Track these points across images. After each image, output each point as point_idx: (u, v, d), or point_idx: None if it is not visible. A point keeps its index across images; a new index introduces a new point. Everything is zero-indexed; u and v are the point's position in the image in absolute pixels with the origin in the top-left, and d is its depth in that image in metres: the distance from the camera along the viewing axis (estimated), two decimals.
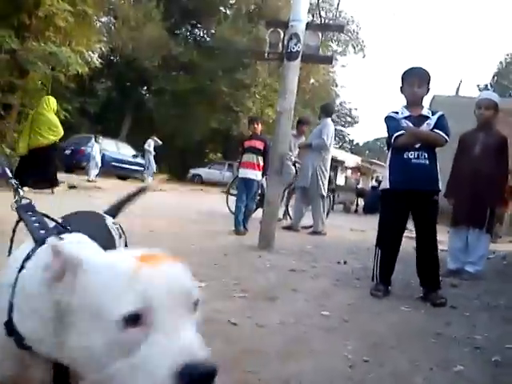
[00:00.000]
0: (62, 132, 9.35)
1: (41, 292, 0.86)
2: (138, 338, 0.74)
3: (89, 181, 14.31)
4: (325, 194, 7.88)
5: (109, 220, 1.41)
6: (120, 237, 1.40)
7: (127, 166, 19.08)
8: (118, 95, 28.00)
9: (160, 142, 19.34)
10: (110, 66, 17.45)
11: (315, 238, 7.24)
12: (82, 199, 9.02)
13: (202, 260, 4.66)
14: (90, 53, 13.27)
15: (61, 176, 12.45)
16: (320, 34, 5.89)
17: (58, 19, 11.89)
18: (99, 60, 13.47)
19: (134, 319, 0.75)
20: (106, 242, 1.21)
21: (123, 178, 18.36)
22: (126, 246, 1.46)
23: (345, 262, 5.29)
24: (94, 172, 15.28)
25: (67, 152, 17.85)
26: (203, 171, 24.83)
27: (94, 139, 16.55)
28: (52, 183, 9.36)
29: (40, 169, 8.92)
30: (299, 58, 5.60)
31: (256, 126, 7.20)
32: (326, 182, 7.90)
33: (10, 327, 0.91)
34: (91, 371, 0.78)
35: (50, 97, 9.56)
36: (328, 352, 2.56)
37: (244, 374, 2.16)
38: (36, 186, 8.52)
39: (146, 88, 28.48)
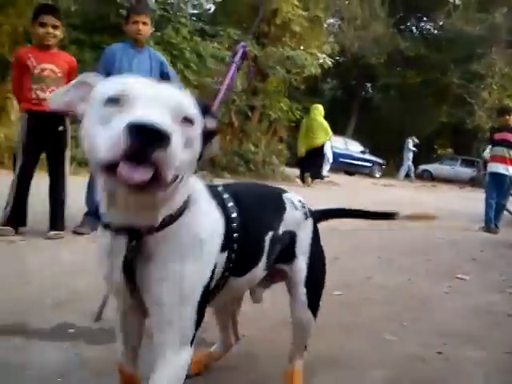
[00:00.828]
0: (330, 133, 11.03)
1: None
2: (112, 112, 0.92)
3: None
4: None
5: (287, 195, 1.57)
6: (296, 209, 1.54)
7: (355, 162, 19.35)
8: (343, 94, 28.55)
9: (417, 141, 19.07)
10: (336, 65, 17.88)
11: None
12: (325, 191, 9.59)
13: (457, 254, 4.55)
14: (322, 54, 13.79)
15: (295, 172, 13.26)
16: None
17: (294, 25, 12.67)
18: (331, 60, 13.91)
19: (113, 100, 0.94)
20: (271, 206, 1.47)
21: (351, 173, 18.68)
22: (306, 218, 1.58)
23: None
24: (326, 167, 15.89)
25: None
26: (433, 167, 23.66)
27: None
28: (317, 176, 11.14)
29: (314, 164, 10.85)
30: None
31: (508, 117, 6.62)
32: None
33: None
34: (87, 141, 0.97)
35: (318, 105, 11.19)
36: None
37: None
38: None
39: (370, 85, 28.48)
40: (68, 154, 3.79)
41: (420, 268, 3.77)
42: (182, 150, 0.92)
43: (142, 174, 0.86)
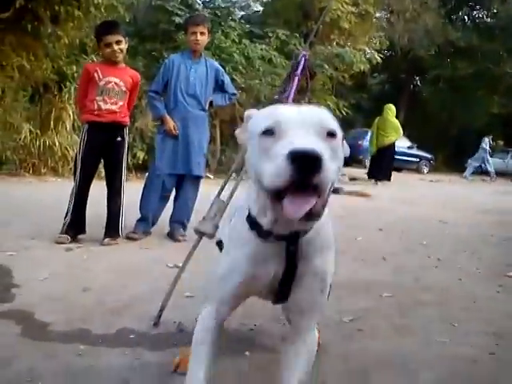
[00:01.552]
0: (401, 132, 11.54)
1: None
2: (270, 143, 1.07)
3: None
4: None
5: None
6: None
7: (402, 158, 19.02)
8: (390, 88, 28.08)
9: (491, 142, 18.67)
10: (384, 59, 17.62)
11: None
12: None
13: (507, 251, 4.50)
14: (370, 49, 13.67)
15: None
16: None
17: (343, 22, 12.63)
18: (380, 56, 13.76)
19: (268, 131, 1.09)
20: None
21: (398, 169, 18.40)
22: None
23: None
24: None
25: None
26: None
27: (370, 133, 16.97)
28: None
29: (385, 163, 11.34)
30: None
31: None
32: None
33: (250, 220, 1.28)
34: (250, 171, 1.17)
35: (391, 105, 11.60)
36: None
37: None
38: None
39: (419, 78, 27.88)
40: (125, 163, 3.98)
41: (470, 266, 3.78)
42: (330, 163, 1.06)
43: (308, 204, 1.02)
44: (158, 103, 4.19)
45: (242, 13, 15.11)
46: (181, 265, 2.40)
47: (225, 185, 2.42)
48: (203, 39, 4.18)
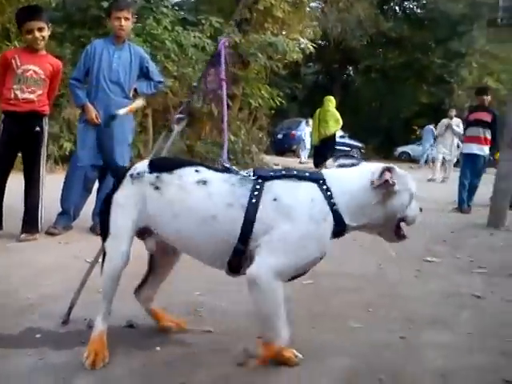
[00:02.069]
0: (341, 123, 11.88)
1: (366, 194, 1.82)
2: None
3: (301, 163, 15.00)
4: None
5: None
6: None
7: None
8: (324, 78, 28.55)
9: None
10: (318, 50, 17.83)
11: None
12: None
13: (429, 236, 4.66)
14: (304, 39, 13.75)
15: (273, 159, 13.43)
16: None
17: (276, 10, 12.59)
18: (313, 45, 13.89)
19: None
20: None
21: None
22: None
23: None
24: (304, 154, 15.94)
25: (279, 136, 18.92)
26: (411, 148, 23.91)
27: (304, 122, 17.16)
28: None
29: (329, 152, 11.29)
30: None
31: (485, 97, 6.74)
32: None
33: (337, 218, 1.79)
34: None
35: (331, 96, 12.07)
36: None
37: (501, 342, 2.19)
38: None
39: (352, 68, 28.51)
40: (44, 154, 3.81)
41: (390, 252, 3.88)
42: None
43: None
44: (79, 91, 4.02)
45: (177, 0, 14.87)
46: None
47: None
48: (127, 25, 4.04)
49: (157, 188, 1.81)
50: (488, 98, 6.77)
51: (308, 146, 16.31)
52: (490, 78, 20.03)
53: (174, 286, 2.42)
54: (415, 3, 27.62)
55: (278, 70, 13.74)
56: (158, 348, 1.98)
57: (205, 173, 1.83)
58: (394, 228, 1.94)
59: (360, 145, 20.86)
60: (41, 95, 3.72)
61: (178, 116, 2.46)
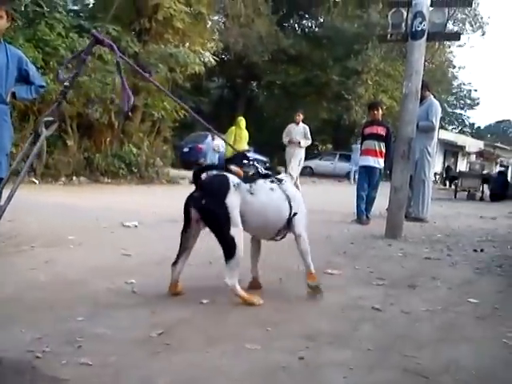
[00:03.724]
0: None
1: None
2: None
3: None
4: (427, 179, 7.25)
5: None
6: None
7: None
8: (229, 92, 28.74)
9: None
10: (221, 64, 17.87)
11: (444, 227, 6.86)
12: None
13: (330, 248, 4.65)
14: (206, 52, 13.70)
15: (179, 173, 13.18)
16: (446, 11, 5.57)
17: (176, 21, 12.45)
18: (215, 58, 13.84)
19: None
20: None
21: None
22: None
23: (481, 250, 4.97)
24: None
25: (185, 149, 18.67)
26: (314, 163, 24.62)
27: (210, 136, 17.05)
28: None
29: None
30: (425, 37, 5.35)
31: (376, 111, 7.00)
32: (432, 166, 7.38)
33: None
34: None
35: (242, 117, 12.62)
36: (484, 339, 2.43)
37: (401, 358, 2.11)
38: None
39: (256, 83, 28.94)
40: None
41: (292, 266, 3.78)
42: None
43: None
44: None
45: (75, 7, 14.23)
46: None
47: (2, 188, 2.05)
48: (2, 23, 3.65)
49: (251, 193, 2.78)
50: (380, 113, 7.01)
51: (216, 160, 16.15)
52: (385, 95, 21.18)
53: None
54: (313, 21, 28.68)
55: (182, 83, 13.57)
56: None
57: (268, 183, 2.94)
58: None
59: (265, 159, 21.10)
60: None
61: (46, 119, 2.16)
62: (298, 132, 10.89)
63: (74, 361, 1.90)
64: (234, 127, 12.60)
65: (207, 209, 2.70)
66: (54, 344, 2.04)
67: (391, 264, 4.12)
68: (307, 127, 10.99)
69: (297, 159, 10.20)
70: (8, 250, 3.72)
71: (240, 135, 12.57)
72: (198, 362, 1.97)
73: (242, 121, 12.58)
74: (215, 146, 14.94)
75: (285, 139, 11.13)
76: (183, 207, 2.76)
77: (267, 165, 20.91)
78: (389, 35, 5.85)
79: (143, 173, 11.84)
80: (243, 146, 12.23)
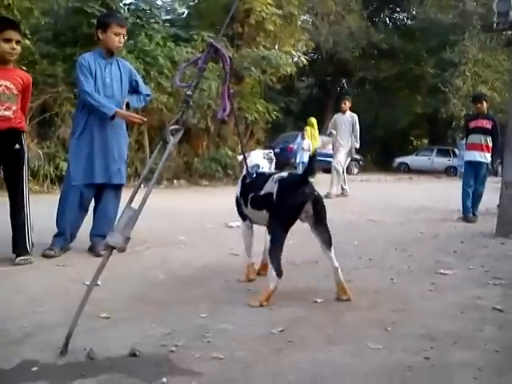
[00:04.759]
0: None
1: None
2: None
3: None
4: None
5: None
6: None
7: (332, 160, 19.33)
8: (318, 91, 28.59)
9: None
10: (311, 63, 17.80)
11: None
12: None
13: (439, 248, 4.53)
14: (297, 52, 13.77)
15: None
16: None
17: (268, 24, 12.62)
18: (306, 58, 13.86)
19: None
20: None
21: (328, 171, 18.67)
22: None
23: None
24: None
25: (276, 150, 18.86)
26: (410, 159, 23.92)
27: (300, 136, 17.10)
28: None
29: None
30: None
31: (481, 104, 6.67)
32: None
33: None
34: None
35: (314, 118, 13.78)
36: None
37: None
38: None
39: (346, 80, 28.56)
40: (26, 172, 3.61)
41: (402, 266, 3.73)
42: None
43: None
44: (103, 100, 3.78)
45: (168, 17, 14.82)
46: (99, 283, 2.17)
47: (135, 193, 2.21)
48: (122, 41, 3.93)
49: None
50: (484, 105, 6.69)
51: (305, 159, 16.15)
52: (485, 86, 20.03)
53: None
54: (405, 14, 27.82)
55: (273, 84, 13.73)
56: (165, 379, 1.81)
57: None
58: None
59: (358, 157, 20.79)
60: (16, 111, 3.52)
61: (172, 127, 2.31)
62: (345, 121, 9.70)
63: (206, 355, 2.01)
64: (308, 127, 13.47)
65: (322, 199, 2.86)
66: (185, 339, 2.17)
67: (507, 263, 3.93)
68: (356, 116, 9.74)
69: (341, 153, 9.95)
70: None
71: (314, 134, 13.53)
72: (322, 360, 2.01)
73: (314, 121, 13.63)
74: (305, 144, 14.95)
75: (330, 130, 10.01)
76: (298, 203, 2.74)
77: (360, 163, 20.59)
78: (495, 24, 5.56)
79: (238, 174, 12.12)
80: (318, 143, 13.52)
